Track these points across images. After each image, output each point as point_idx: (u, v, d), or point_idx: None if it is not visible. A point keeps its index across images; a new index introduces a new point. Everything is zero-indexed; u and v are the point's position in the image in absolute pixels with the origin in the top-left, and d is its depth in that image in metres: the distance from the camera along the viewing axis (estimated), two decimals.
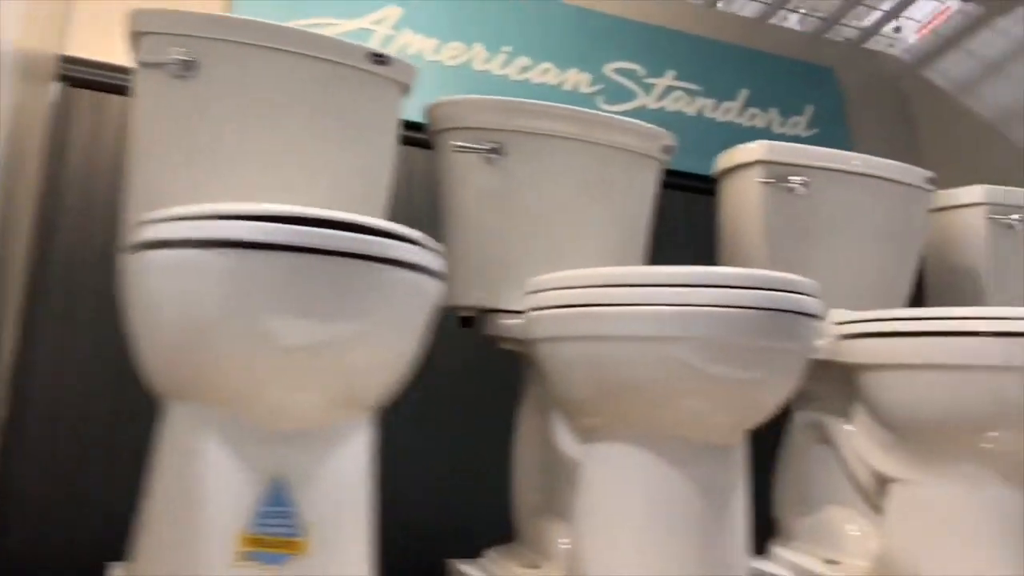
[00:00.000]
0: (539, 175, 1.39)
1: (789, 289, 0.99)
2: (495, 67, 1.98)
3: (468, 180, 1.37)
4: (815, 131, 2.33)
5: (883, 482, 1.35)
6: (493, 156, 1.35)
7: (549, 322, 1.09)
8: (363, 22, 1.86)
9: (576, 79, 2.07)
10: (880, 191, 1.60)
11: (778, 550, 1.54)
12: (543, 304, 1.10)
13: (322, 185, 1.21)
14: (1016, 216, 1.71)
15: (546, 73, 2.04)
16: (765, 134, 2.27)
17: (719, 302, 0.96)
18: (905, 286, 1.64)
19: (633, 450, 1.04)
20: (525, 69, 2.01)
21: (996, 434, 1.21)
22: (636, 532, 1.02)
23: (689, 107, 2.20)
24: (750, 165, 1.55)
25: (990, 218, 1.71)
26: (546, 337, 1.10)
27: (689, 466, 1.03)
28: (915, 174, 1.63)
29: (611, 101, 2.09)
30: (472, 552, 1.42)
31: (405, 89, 1.33)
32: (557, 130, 1.41)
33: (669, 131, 1.50)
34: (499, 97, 1.40)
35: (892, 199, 1.61)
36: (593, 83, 2.09)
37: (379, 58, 1.26)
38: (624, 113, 2.09)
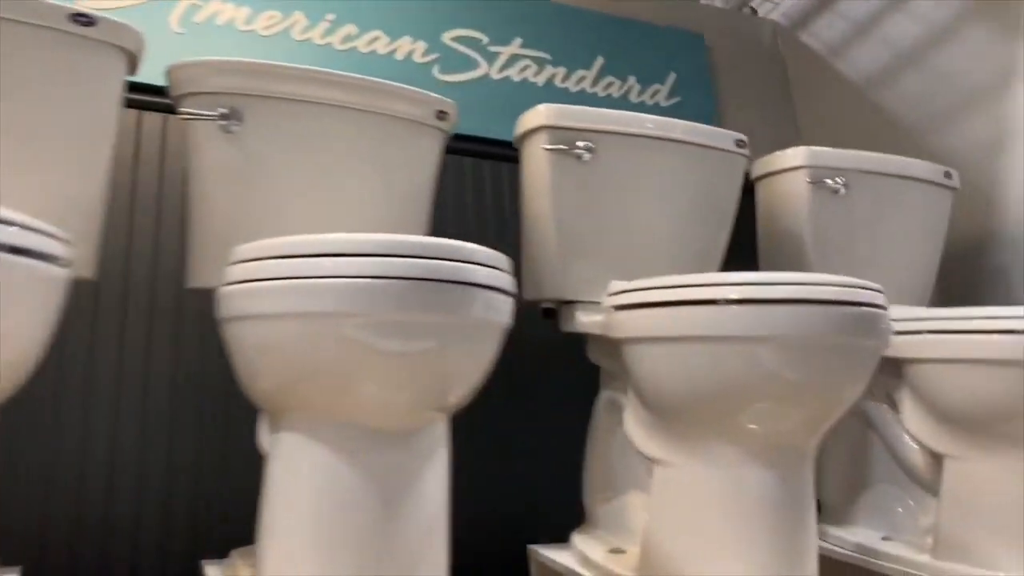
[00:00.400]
0: (288, 144, 1.30)
1: (447, 257, 0.89)
2: (316, 36, 1.88)
3: (204, 151, 1.27)
4: (677, 99, 2.24)
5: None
6: (228, 123, 1.25)
7: (224, 300, 0.99)
8: None
9: (409, 48, 1.97)
10: (683, 155, 1.51)
11: (576, 538, 1.46)
12: (226, 280, 1.00)
13: (21, 158, 1.11)
14: (841, 180, 1.62)
15: (375, 42, 1.94)
16: (621, 104, 2.17)
17: (370, 272, 0.87)
18: (717, 254, 1.55)
19: (308, 441, 0.95)
20: (350, 38, 1.91)
21: (746, 411, 1.12)
22: (307, 531, 0.93)
23: (537, 77, 2.10)
24: (537, 131, 1.46)
25: (812, 182, 1.61)
26: (225, 317, 1.00)
27: (371, 456, 0.94)
28: (722, 137, 1.54)
29: (448, 71, 1.99)
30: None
31: (129, 54, 1.23)
32: (310, 95, 1.31)
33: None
34: (240, 59, 1.30)
35: (698, 163, 1.52)
36: (428, 52, 1.99)
37: (82, 19, 1.16)
38: (465, 84, 2.00)
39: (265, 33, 1.84)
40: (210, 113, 1.24)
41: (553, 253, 1.43)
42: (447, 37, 2.02)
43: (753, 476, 1.13)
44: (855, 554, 1.53)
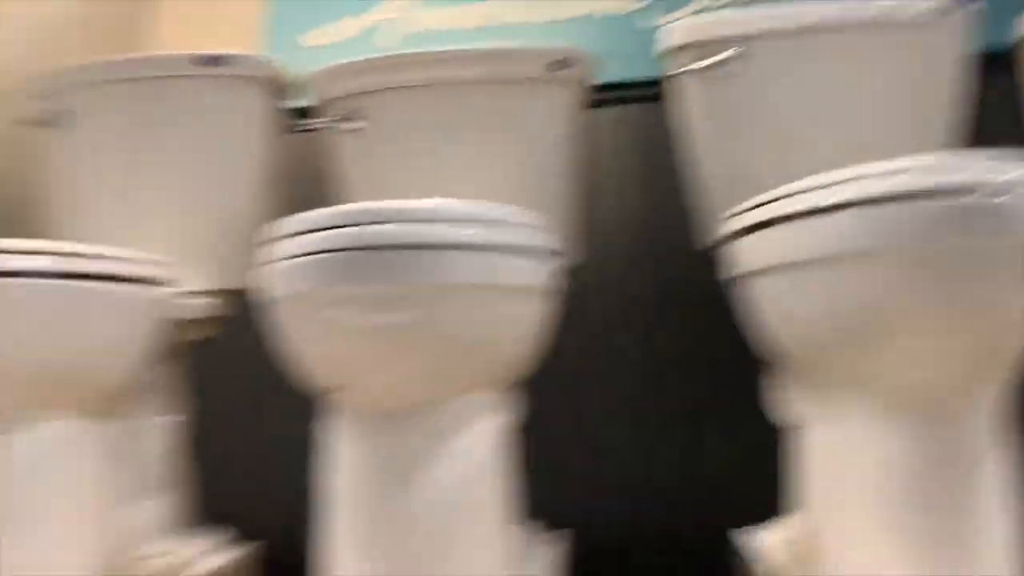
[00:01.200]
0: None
1: (397, 219, 0.83)
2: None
3: None
4: None
5: None
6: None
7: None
8: None
9: None
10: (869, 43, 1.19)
11: None
12: None
13: None
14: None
15: None
16: None
17: (311, 249, 0.85)
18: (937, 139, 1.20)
19: (350, 427, 0.96)
20: None
21: (878, 354, 0.84)
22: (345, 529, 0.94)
23: None
24: (681, 50, 1.26)
25: None
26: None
27: (381, 440, 0.92)
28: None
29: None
30: None
31: None
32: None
33: None
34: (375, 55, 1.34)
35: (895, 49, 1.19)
36: None
37: None
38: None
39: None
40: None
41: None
42: None
43: (894, 443, 0.84)
44: None
